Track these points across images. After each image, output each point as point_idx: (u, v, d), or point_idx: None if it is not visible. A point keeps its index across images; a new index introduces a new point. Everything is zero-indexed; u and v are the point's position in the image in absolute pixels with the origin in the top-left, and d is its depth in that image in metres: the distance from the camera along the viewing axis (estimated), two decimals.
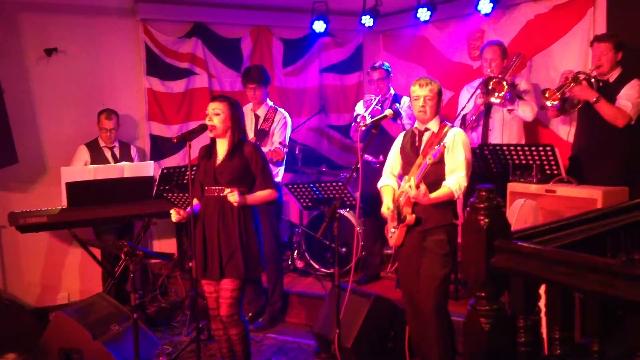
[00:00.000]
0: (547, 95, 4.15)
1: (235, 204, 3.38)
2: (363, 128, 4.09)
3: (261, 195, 3.54)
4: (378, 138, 3.79)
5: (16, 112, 4.98)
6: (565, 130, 4.87)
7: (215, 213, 3.48)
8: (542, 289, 2.21)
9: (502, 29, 5.37)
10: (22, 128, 5.08)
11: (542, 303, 2.23)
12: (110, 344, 3.73)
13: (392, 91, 4.89)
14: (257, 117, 4.74)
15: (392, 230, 3.45)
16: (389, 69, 4.88)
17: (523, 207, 3.55)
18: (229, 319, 3.49)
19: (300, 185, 4.59)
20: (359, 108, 4.87)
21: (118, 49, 5.59)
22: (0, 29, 4.98)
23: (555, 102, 4.14)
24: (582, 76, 4.10)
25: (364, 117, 4.60)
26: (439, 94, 3.40)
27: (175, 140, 3.50)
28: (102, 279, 5.17)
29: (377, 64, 4.86)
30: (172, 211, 3.51)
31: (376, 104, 4.71)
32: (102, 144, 5.19)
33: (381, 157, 4.69)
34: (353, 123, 4.79)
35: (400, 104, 4.71)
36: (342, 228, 4.57)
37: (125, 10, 5.57)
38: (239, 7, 5.91)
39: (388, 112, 3.80)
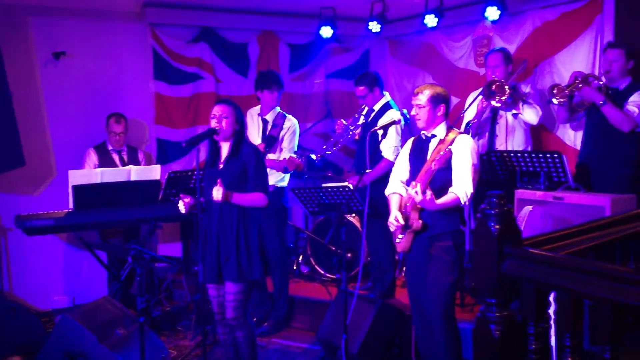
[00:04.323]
0: (554, 91, 4.14)
1: (215, 199, 3.38)
2: (328, 153, 4.70)
3: (248, 197, 3.49)
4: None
5: (24, 115, 5.00)
6: (571, 137, 4.87)
7: (215, 217, 3.50)
8: (551, 297, 2.21)
9: (509, 36, 5.37)
10: (29, 131, 5.09)
11: (551, 310, 2.23)
12: (115, 347, 3.72)
13: (381, 102, 4.61)
14: (265, 122, 4.74)
15: (400, 236, 3.44)
16: (375, 80, 4.59)
17: (531, 214, 3.54)
18: (234, 322, 3.52)
19: (307, 190, 4.58)
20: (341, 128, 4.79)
21: (126, 52, 5.62)
22: (9, 33, 5.00)
23: (563, 100, 4.13)
24: (591, 78, 4.11)
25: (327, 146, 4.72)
26: (433, 100, 3.35)
27: (184, 144, 3.51)
28: (107, 282, 5.18)
29: (359, 79, 4.62)
30: (179, 203, 3.53)
31: (346, 133, 4.71)
32: (110, 147, 5.21)
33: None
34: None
35: (386, 114, 4.47)
36: (348, 234, 4.57)
37: (133, 15, 5.59)
38: (246, 12, 5.92)
39: (395, 117, 3.82)
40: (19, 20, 5.13)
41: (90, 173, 4.70)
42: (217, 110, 3.52)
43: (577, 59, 4.86)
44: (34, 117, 5.23)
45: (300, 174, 5.85)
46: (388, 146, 4.43)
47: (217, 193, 3.37)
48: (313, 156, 4.70)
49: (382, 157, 4.42)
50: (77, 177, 4.57)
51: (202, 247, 3.53)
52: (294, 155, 4.40)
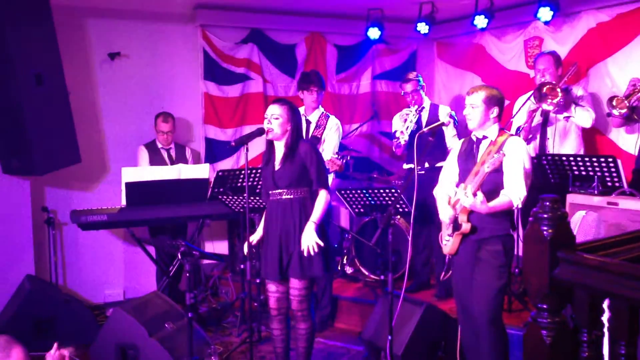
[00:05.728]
0: (614, 103, 4.04)
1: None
2: (402, 142, 4.60)
3: (320, 205, 3.55)
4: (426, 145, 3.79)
5: (80, 113, 5.14)
6: (625, 141, 4.74)
7: (276, 216, 3.56)
8: (605, 304, 2.16)
9: (561, 37, 5.26)
10: (85, 128, 5.24)
11: (604, 318, 2.18)
12: (164, 341, 3.81)
13: (427, 101, 4.88)
14: (308, 122, 4.76)
15: (447, 238, 3.42)
16: (421, 80, 4.84)
17: (584, 220, 3.46)
18: (299, 313, 3.59)
19: (353, 191, 4.58)
20: (396, 123, 4.86)
21: (177, 53, 5.75)
22: (68, 33, 5.17)
23: (623, 111, 4.02)
24: None
25: (402, 132, 4.66)
26: (488, 101, 3.31)
27: (233, 144, 3.58)
28: (156, 277, 5.31)
29: (409, 76, 4.84)
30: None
31: (413, 117, 4.71)
32: (159, 145, 5.34)
33: (426, 165, 4.68)
34: (394, 139, 4.79)
35: (439, 113, 4.72)
36: (394, 235, 4.55)
37: (184, 16, 5.72)
38: (294, 13, 5.98)
39: (445, 119, 3.79)
40: (77, 22, 5.31)
41: (142, 171, 4.83)
42: (269, 110, 3.57)
43: (632, 62, 4.73)
44: (89, 115, 5.39)
45: (345, 175, 5.86)
46: (450, 136, 4.70)
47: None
48: (402, 140, 4.64)
49: (448, 149, 4.55)
50: (129, 174, 4.71)
51: (262, 244, 3.66)
52: (335, 156, 4.43)
